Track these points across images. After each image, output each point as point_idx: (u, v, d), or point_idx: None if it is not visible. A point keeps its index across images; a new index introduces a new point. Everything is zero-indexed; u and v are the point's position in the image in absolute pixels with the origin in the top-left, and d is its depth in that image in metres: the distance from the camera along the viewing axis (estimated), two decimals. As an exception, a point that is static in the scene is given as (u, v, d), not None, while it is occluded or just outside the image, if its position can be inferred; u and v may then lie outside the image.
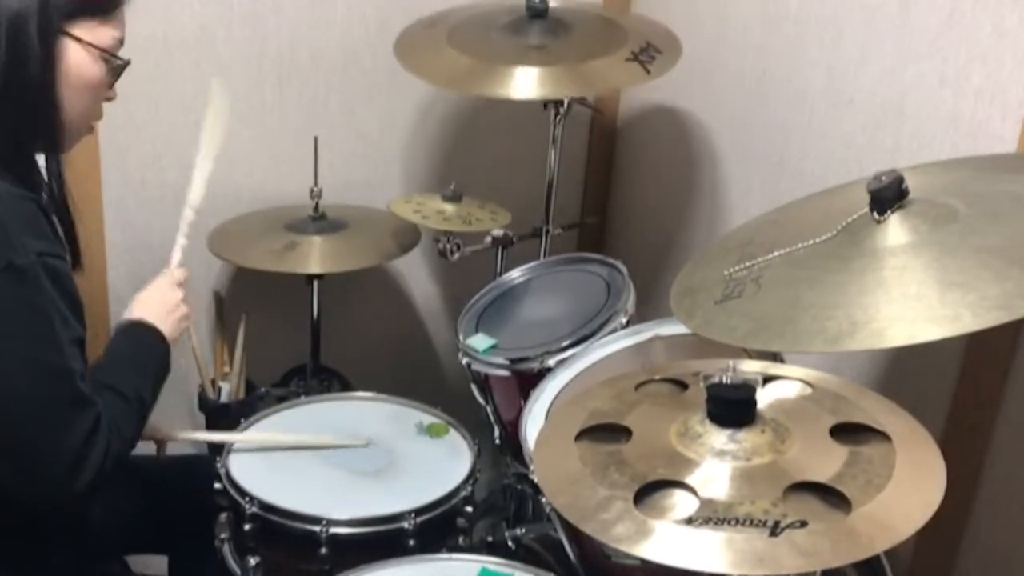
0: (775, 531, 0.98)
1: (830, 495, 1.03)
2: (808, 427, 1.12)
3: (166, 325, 1.43)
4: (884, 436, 1.11)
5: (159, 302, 1.46)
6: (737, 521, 1.00)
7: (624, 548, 1.00)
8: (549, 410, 1.52)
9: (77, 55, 1.26)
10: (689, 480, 1.06)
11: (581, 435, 1.18)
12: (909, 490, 1.03)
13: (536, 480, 1.17)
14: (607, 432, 1.18)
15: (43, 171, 1.32)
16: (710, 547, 0.98)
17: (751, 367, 1.23)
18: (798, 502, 1.02)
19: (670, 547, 0.99)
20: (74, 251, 1.37)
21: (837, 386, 1.22)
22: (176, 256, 1.55)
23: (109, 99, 1.35)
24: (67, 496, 1.22)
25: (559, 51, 1.84)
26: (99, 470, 1.22)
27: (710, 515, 1.01)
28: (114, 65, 1.31)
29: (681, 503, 1.04)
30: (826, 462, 1.07)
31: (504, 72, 1.78)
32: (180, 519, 1.62)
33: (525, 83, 1.77)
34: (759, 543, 0.97)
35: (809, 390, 1.22)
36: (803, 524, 0.98)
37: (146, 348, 1.41)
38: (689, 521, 1.01)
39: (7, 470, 1.21)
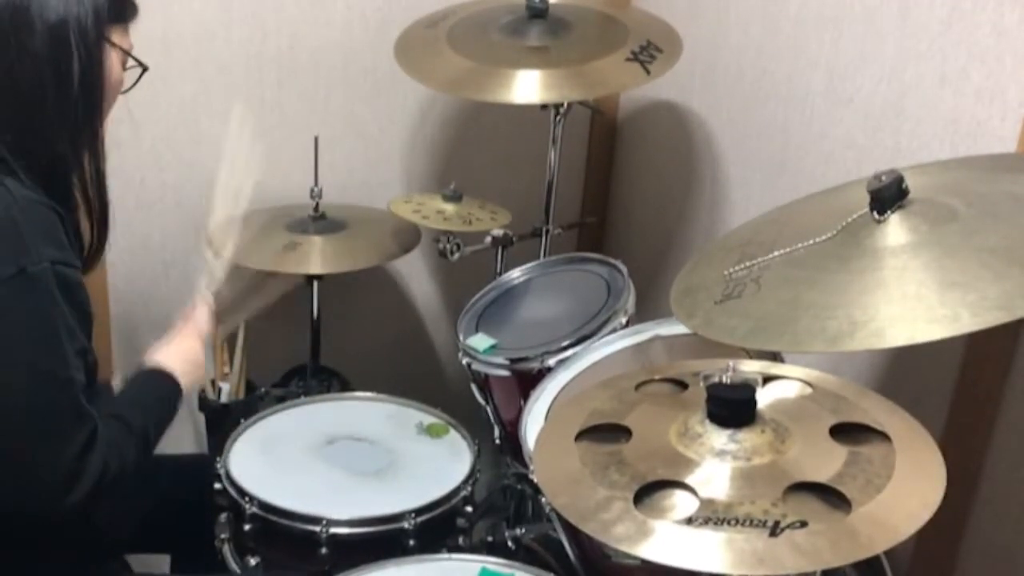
0: (775, 531, 0.98)
1: (830, 495, 1.03)
2: (808, 427, 1.12)
3: (185, 377, 1.45)
4: (884, 436, 1.11)
5: (185, 353, 1.49)
6: (737, 521, 1.00)
7: (624, 548, 1.00)
8: (549, 410, 1.52)
9: (113, 60, 1.29)
10: (689, 480, 1.06)
11: (581, 435, 1.18)
12: (909, 490, 1.03)
13: (536, 480, 1.17)
14: (607, 432, 1.18)
15: (87, 174, 1.32)
16: (710, 547, 0.98)
17: (751, 367, 1.24)
18: (798, 502, 1.02)
19: (670, 547, 0.99)
20: (100, 247, 1.39)
21: (837, 386, 1.22)
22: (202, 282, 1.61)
23: None
24: (59, 507, 1.22)
25: (559, 52, 1.83)
26: (94, 485, 1.22)
27: (710, 515, 1.01)
28: (130, 68, 1.33)
29: (681, 503, 1.04)
30: (826, 462, 1.07)
31: (504, 76, 1.78)
32: (181, 519, 1.62)
33: (525, 87, 1.77)
34: (759, 543, 0.97)
35: (809, 390, 1.22)
36: (803, 524, 0.98)
37: (159, 392, 1.43)
38: (689, 521, 1.01)
39: (2, 476, 1.21)
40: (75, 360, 1.23)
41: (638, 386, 1.28)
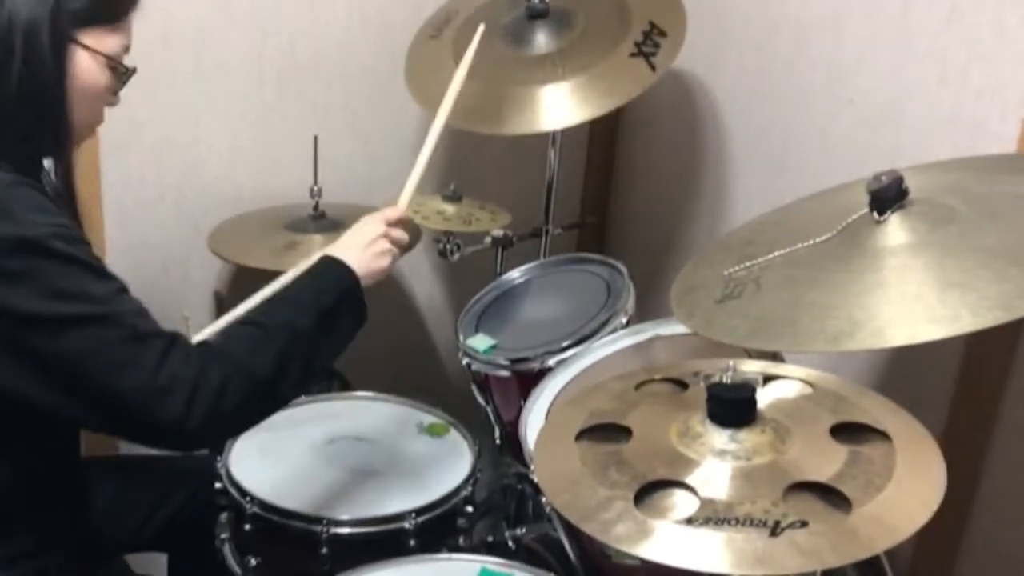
0: (775, 531, 0.98)
1: (830, 495, 1.03)
2: (808, 427, 1.13)
3: (357, 257, 1.40)
4: (884, 436, 1.11)
5: (353, 236, 1.44)
6: (737, 521, 1.00)
7: (624, 548, 1.00)
8: (549, 410, 1.52)
9: (85, 62, 1.26)
10: (689, 480, 1.06)
11: (581, 435, 1.18)
12: (909, 490, 1.03)
13: (536, 480, 1.17)
14: (607, 432, 1.18)
15: (47, 185, 1.31)
16: (710, 547, 0.98)
17: (751, 367, 1.24)
18: (798, 502, 1.02)
19: (670, 547, 0.99)
20: None
21: (837, 386, 1.22)
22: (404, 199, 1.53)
23: (112, 104, 1.35)
24: (183, 431, 1.18)
25: (566, 58, 1.82)
26: (190, 397, 1.18)
27: (710, 515, 1.01)
28: (119, 72, 1.31)
29: (681, 503, 1.05)
30: (826, 462, 1.07)
31: (517, 102, 1.80)
32: (180, 518, 1.62)
33: (538, 116, 1.78)
34: (759, 543, 0.97)
35: (809, 390, 1.22)
36: (803, 524, 0.98)
37: (313, 281, 1.37)
38: (689, 521, 1.01)
39: (114, 425, 1.21)
40: (117, 297, 1.20)
41: (638, 386, 1.28)
